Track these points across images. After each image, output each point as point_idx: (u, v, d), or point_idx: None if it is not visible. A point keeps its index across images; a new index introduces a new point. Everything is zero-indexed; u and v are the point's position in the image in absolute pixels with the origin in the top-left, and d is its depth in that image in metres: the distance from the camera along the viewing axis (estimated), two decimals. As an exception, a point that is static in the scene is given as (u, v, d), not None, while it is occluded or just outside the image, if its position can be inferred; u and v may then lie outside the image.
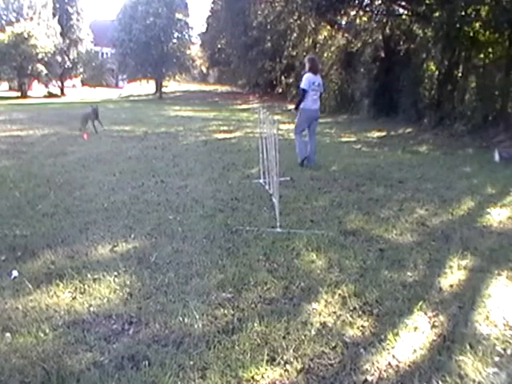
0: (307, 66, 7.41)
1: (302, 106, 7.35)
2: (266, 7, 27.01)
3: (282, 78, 30.18)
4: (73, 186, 5.78)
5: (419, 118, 14.91)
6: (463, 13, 12.85)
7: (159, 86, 34.85)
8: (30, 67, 29.46)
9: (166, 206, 4.97)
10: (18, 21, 29.49)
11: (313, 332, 2.57)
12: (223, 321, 2.67)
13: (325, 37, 23.49)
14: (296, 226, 4.35)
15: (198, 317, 2.68)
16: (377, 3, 18.20)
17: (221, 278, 3.19)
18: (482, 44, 13.97)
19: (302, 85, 7.27)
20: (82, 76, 37.25)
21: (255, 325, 2.61)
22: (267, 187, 5.71)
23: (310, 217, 4.69)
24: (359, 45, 20.35)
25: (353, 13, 19.04)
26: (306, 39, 25.01)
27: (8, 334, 2.49)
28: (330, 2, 16.17)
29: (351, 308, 2.85)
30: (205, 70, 46.28)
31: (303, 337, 2.52)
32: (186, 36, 34.76)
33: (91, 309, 2.77)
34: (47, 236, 3.98)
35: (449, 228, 4.48)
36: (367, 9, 18.37)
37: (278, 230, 4.22)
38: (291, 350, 2.39)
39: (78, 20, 35.19)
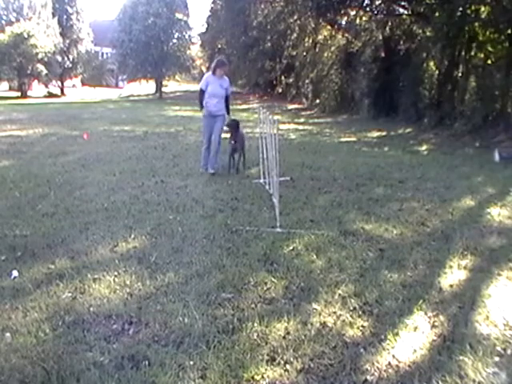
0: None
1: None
2: (266, 7, 27.01)
3: (282, 77, 30.19)
4: (73, 186, 5.77)
5: (419, 118, 14.91)
6: (463, 12, 12.86)
7: (159, 86, 34.85)
8: (29, 67, 29.44)
9: (166, 206, 4.97)
10: (17, 21, 29.48)
11: (313, 332, 2.57)
12: (223, 321, 2.66)
13: (325, 37, 23.50)
14: (296, 226, 4.34)
15: (197, 317, 2.68)
16: (377, 3, 18.19)
17: (221, 278, 3.19)
18: (482, 44, 13.97)
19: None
20: (81, 76, 37.27)
21: (255, 325, 2.61)
22: (267, 187, 5.71)
23: (310, 217, 4.68)
24: (359, 45, 20.36)
25: (353, 13, 19.07)
26: (306, 39, 25.03)
27: (8, 334, 2.49)
28: (330, 1, 16.19)
29: (351, 308, 2.85)
30: (205, 70, 46.25)
31: (303, 337, 2.52)
32: (186, 36, 34.74)
33: (91, 309, 2.77)
34: (47, 236, 3.98)
35: (449, 228, 4.47)
36: (367, 9, 18.38)
37: (278, 229, 4.22)
38: (291, 350, 2.39)
39: (77, 20, 35.20)
